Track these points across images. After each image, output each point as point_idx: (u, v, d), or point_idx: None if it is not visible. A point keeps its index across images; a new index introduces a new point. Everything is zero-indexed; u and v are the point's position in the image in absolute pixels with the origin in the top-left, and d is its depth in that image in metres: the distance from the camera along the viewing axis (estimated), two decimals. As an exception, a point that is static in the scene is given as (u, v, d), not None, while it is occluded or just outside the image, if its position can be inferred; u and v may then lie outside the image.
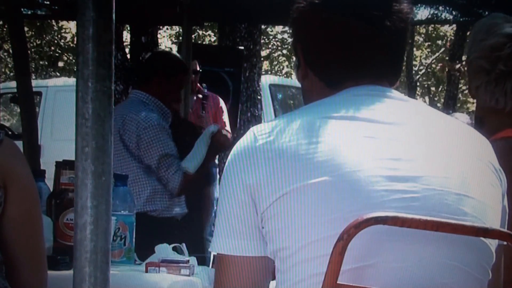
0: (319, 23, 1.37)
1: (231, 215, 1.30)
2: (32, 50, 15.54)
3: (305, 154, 1.25)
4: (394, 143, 1.28)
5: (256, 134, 1.30)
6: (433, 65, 19.86)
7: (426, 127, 1.33)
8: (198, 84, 5.44)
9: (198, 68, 5.48)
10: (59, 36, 15.93)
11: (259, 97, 7.18)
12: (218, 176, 5.61)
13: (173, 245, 2.60)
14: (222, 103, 5.67)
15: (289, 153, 1.26)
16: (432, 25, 17.23)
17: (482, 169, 1.33)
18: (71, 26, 15.06)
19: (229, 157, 1.33)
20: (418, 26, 16.20)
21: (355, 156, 1.25)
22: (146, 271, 2.29)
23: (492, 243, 1.30)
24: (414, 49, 18.24)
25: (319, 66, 1.39)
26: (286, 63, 17.86)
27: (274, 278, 1.34)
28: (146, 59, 3.78)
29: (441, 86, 20.85)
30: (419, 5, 4.45)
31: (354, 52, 1.36)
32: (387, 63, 1.38)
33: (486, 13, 4.54)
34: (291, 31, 1.47)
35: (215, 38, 14.79)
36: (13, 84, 6.62)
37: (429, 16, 4.72)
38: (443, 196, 1.25)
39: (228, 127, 5.39)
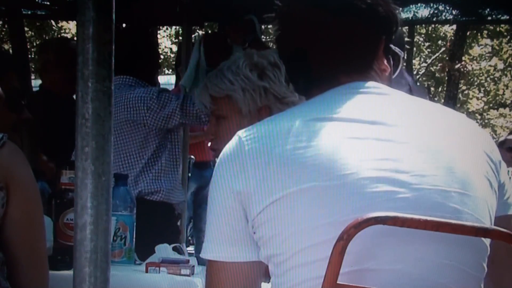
0: (307, 15, 1.36)
1: (221, 221, 1.30)
2: (32, 50, 15.53)
3: (294, 160, 1.24)
4: (382, 143, 1.27)
5: (243, 139, 1.30)
6: (434, 66, 19.86)
7: (413, 122, 1.32)
8: None
9: None
10: (58, 36, 15.90)
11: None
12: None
13: (173, 245, 2.60)
14: None
15: (277, 159, 1.25)
16: (432, 25, 17.22)
17: (475, 159, 1.32)
18: (70, 26, 15.05)
19: (217, 163, 1.33)
20: (418, 26, 16.18)
21: (343, 159, 1.24)
22: (147, 271, 2.29)
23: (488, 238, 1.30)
24: (414, 49, 18.22)
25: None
26: (286, 63, 17.78)
27: (266, 278, 1.35)
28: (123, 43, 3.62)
29: (441, 86, 20.85)
30: (419, 4, 4.44)
31: (344, 44, 1.35)
32: (369, 53, 1.37)
33: (487, 12, 4.53)
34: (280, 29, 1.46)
35: (215, 38, 14.77)
36: (13, 84, 6.59)
37: (429, 16, 4.71)
38: (434, 193, 1.25)
39: None
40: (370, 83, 1.35)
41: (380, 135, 1.28)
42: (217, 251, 1.31)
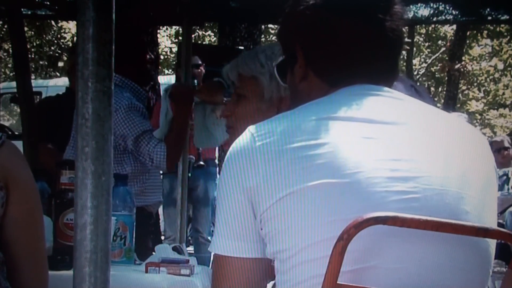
0: (324, 23, 1.36)
1: (229, 216, 1.30)
2: (32, 50, 15.54)
3: (305, 157, 1.24)
4: (393, 143, 1.28)
5: (254, 135, 1.29)
6: (434, 66, 19.86)
7: (426, 126, 1.33)
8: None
9: (195, 63, 5.49)
10: (58, 36, 15.93)
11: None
12: (218, 176, 5.61)
13: (173, 245, 2.60)
14: None
15: (288, 156, 1.25)
16: (432, 25, 17.23)
17: (482, 166, 1.33)
18: (70, 26, 15.06)
19: (226, 157, 1.32)
20: (418, 26, 16.19)
21: (354, 157, 1.24)
22: (146, 271, 2.29)
23: (492, 242, 1.30)
24: (414, 49, 18.24)
25: (323, 66, 1.38)
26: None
27: (273, 278, 1.35)
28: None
29: (440, 87, 20.85)
30: (419, 4, 4.44)
31: (360, 50, 1.36)
32: (387, 63, 1.39)
33: (487, 12, 4.53)
34: (285, 33, 1.46)
35: (215, 38, 14.79)
36: (13, 84, 6.62)
37: (429, 16, 4.72)
38: (443, 195, 1.25)
39: None
40: (384, 88, 1.36)
41: (393, 136, 1.28)
42: (224, 246, 1.31)
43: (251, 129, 1.31)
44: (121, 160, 3.26)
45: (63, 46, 16.24)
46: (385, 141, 1.28)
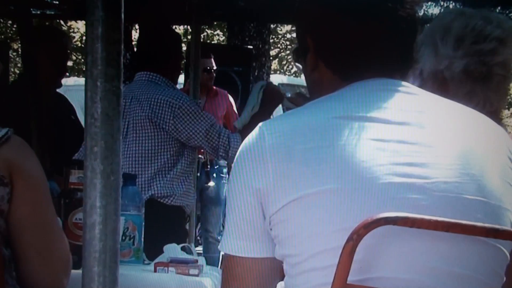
0: (333, 15, 1.34)
1: (238, 216, 1.29)
2: (41, 49, 15.56)
3: (315, 159, 1.22)
4: (406, 146, 1.24)
5: (265, 132, 1.27)
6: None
7: (440, 125, 1.29)
8: None
9: (209, 67, 5.50)
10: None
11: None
12: (227, 176, 5.61)
13: (181, 245, 2.60)
14: (231, 98, 5.74)
15: (298, 157, 1.23)
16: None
17: (500, 166, 1.29)
18: (79, 26, 15.09)
19: (237, 155, 1.30)
20: (427, 25, 16.11)
21: (366, 162, 1.22)
22: (155, 271, 2.29)
23: (505, 245, 1.27)
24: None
25: (332, 58, 1.35)
26: (295, 62, 17.72)
27: (282, 278, 1.34)
28: (152, 41, 3.53)
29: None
30: (429, 3, 4.43)
31: (370, 43, 1.32)
32: (401, 53, 1.35)
33: (497, 10, 4.51)
34: (298, 22, 1.44)
35: (224, 37, 14.78)
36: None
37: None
38: (456, 202, 1.22)
39: None
40: (399, 82, 1.33)
41: (407, 138, 1.25)
42: (234, 246, 1.30)
43: (262, 126, 1.29)
44: (177, 160, 3.28)
45: (72, 45, 16.27)
46: (400, 144, 1.24)
